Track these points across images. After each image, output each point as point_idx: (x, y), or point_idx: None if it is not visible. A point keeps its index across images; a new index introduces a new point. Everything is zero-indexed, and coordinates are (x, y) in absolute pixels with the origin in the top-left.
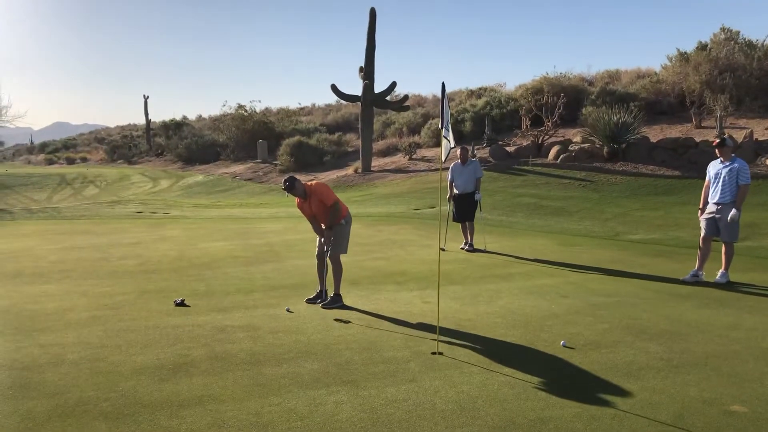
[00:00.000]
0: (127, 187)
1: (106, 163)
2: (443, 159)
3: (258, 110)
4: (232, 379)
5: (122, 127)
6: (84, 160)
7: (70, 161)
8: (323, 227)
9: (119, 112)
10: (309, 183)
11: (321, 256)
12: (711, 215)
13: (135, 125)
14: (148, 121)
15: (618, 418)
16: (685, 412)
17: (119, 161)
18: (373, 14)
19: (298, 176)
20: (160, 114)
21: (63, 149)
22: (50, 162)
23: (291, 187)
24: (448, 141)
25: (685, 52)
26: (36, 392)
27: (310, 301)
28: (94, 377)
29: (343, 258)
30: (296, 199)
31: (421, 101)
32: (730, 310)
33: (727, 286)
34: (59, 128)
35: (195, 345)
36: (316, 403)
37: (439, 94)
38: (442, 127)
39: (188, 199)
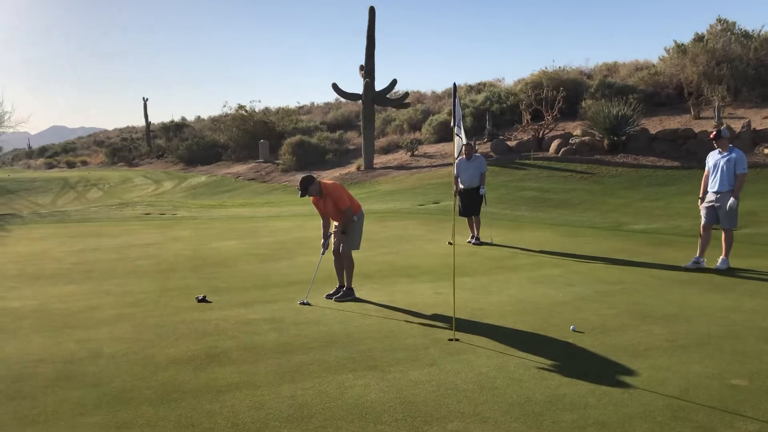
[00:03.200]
0: (131, 190)
1: (107, 166)
2: (456, 155)
3: (258, 110)
4: (263, 367)
5: (121, 130)
6: (84, 163)
7: (71, 165)
8: (335, 227)
9: (116, 115)
10: (325, 182)
11: (337, 253)
12: (710, 204)
13: (134, 127)
14: (148, 123)
15: (628, 393)
16: (690, 387)
17: (120, 164)
18: (372, 13)
19: (303, 174)
20: (157, 116)
21: (62, 153)
22: (50, 166)
23: (305, 189)
24: (461, 138)
25: (683, 44)
26: (80, 383)
27: (330, 296)
28: (133, 368)
29: (354, 253)
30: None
31: (420, 98)
32: (731, 294)
33: (728, 272)
34: (56, 132)
35: (223, 337)
36: (346, 386)
37: (441, 91)
38: (454, 125)
39: (193, 200)
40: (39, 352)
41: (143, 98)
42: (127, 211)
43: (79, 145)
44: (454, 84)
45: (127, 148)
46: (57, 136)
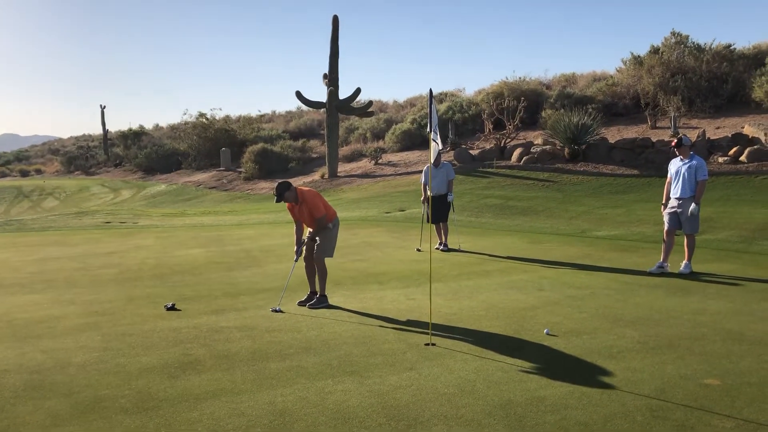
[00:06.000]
0: (88, 199)
1: (63, 174)
2: (432, 160)
3: (218, 118)
4: (240, 374)
5: (77, 138)
6: (39, 172)
7: (24, 173)
8: (308, 234)
9: (71, 123)
10: (302, 188)
11: (309, 259)
12: (673, 210)
13: (90, 135)
14: (106, 132)
15: (606, 394)
16: (666, 387)
17: (76, 172)
18: (336, 22)
19: (267, 183)
20: (115, 124)
21: (15, 161)
22: (2, 174)
23: (281, 195)
24: (437, 144)
25: (639, 56)
26: (51, 392)
27: (302, 303)
28: (105, 377)
29: (326, 261)
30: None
31: (383, 107)
32: (695, 297)
33: (691, 275)
34: (8, 140)
35: (196, 345)
36: (326, 392)
37: (403, 100)
38: (430, 131)
39: (154, 208)
40: (3, 362)
41: (101, 106)
42: (87, 219)
43: (33, 154)
44: (430, 90)
45: (83, 157)
46: (9, 144)
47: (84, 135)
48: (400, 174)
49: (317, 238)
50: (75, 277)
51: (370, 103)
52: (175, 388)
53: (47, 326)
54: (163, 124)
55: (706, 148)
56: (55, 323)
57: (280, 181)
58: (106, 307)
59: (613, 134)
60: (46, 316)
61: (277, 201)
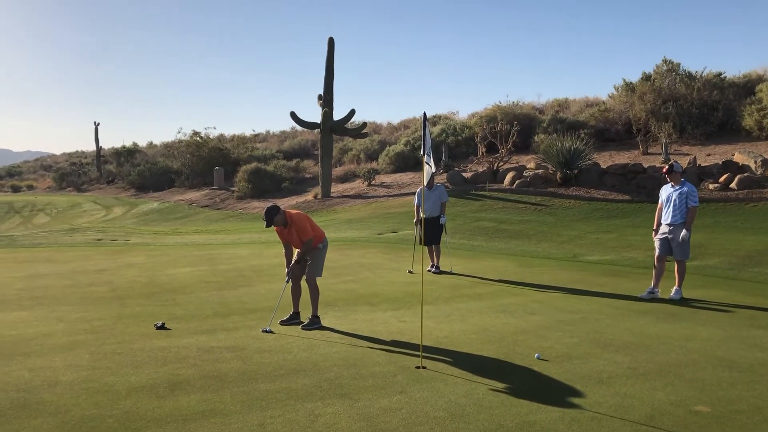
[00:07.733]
0: (80, 215)
1: (55, 190)
2: (425, 183)
3: (212, 137)
4: (229, 395)
5: (69, 154)
6: (30, 188)
7: (16, 189)
8: (295, 257)
9: (64, 139)
10: (290, 212)
11: (296, 279)
12: (664, 236)
13: (83, 152)
14: (99, 148)
15: (596, 419)
16: (655, 413)
17: (68, 189)
18: (331, 44)
19: (259, 202)
20: (108, 141)
21: (7, 177)
22: None
23: (270, 220)
24: (430, 166)
25: (631, 82)
26: (37, 411)
27: (284, 322)
28: (92, 396)
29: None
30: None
31: (377, 128)
32: (686, 324)
33: (681, 302)
34: (0, 155)
35: (185, 365)
36: (315, 414)
37: (397, 122)
38: (424, 153)
39: (145, 226)
40: None
41: (94, 123)
42: (78, 236)
43: (25, 169)
44: (424, 113)
45: (76, 173)
46: (1, 160)
47: (77, 151)
48: (393, 195)
49: (307, 258)
50: (64, 295)
51: (364, 124)
52: (164, 408)
53: (35, 344)
54: (157, 141)
55: (697, 174)
56: (44, 341)
57: (269, 205)
58: (95, 325)
59: (605, 159)
60: (35, 334)
61: (267, 226)
